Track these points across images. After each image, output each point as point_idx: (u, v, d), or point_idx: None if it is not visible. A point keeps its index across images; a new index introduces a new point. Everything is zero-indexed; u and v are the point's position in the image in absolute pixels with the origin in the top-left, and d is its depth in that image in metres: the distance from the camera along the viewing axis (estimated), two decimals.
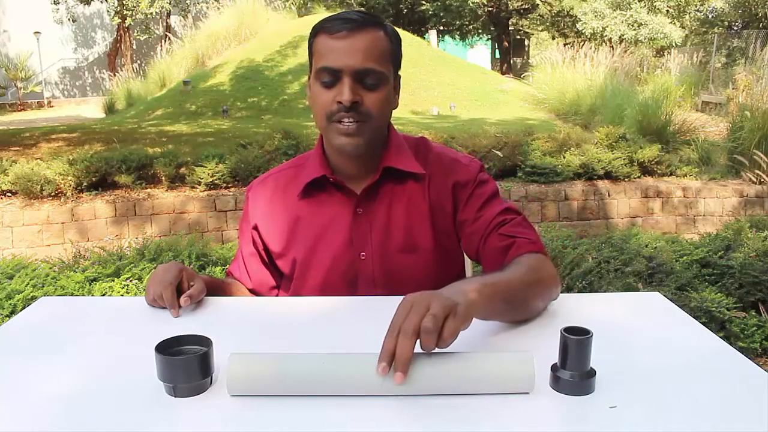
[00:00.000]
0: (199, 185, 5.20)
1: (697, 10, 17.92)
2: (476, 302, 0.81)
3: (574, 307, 1.08)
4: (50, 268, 2.91)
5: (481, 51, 24.77)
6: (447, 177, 1.18)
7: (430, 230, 1.17)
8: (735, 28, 18.29)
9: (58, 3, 15.24)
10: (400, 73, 1.18)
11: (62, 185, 4.92)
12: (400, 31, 1.30)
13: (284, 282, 1.27)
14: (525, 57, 25.09)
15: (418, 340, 0.73)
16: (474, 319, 0.81)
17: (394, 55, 1.13)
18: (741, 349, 2.33)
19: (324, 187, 1.18)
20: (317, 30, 1.10)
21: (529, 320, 0.99)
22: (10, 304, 2.58)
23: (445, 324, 0.74)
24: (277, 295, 1.28)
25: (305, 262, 1.19)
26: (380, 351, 0.73)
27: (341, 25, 1.06)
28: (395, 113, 1.20)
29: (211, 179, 5.17)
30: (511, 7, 20.66)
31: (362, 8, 18.12)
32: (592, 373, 0.77)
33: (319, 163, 1.17)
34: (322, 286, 1.17)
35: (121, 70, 13.71)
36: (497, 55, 23.75)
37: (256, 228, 1.24)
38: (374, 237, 1.16)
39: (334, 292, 1.16)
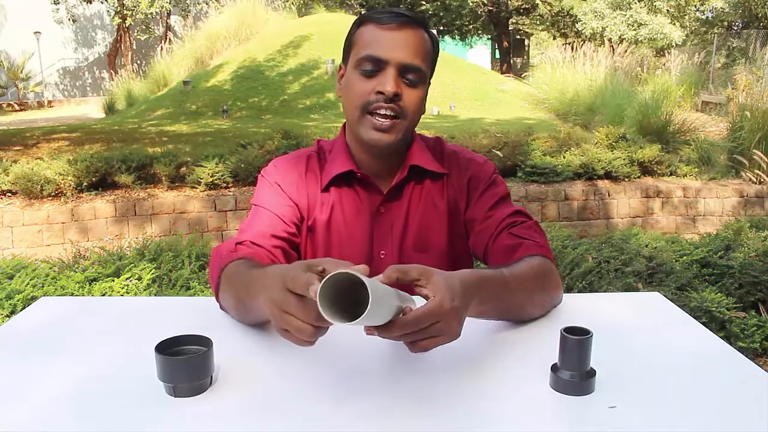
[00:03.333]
0: (200, 185, 5.20)
1: (697, 10, 17.92)
2: (474, 315, 0.85)
3: (574, 307, 1.08)
4: (50, 268, 2.90)
5: (481, 51, 24.77)
6: (463, 175, 1.18)
7: (446, 230, 1.17)
8: (735, 28, 18.31)
9: (58, 3, 15.25)
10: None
11: (62, 185, 4.92)
12: None
13: None
14: (525, 57, 25.10)
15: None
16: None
17: (433, 59, 1.12)
18: (741, 349, 2.33)
19: (348, 182, 1.16)
20: (364, 20, 1.09)
21: (524, 323, 0.99)
22: (10, 304, 2.58)
23: (431, 342, 0.73)
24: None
25: (324, 257, 1.16)
26: (389, 326, 0.69)
27: (392, 18, 1.05)
28: None
29: (211, 179, 5.17)
30: (510, 7, 20.66)
31: (363, 8, 18.13)
32: (592, 373, 0.77)
33: (345, 157, 1.15)
34: None
35: (122, 70, 13.71)
36: (497, 55, 23.74)
37: (297, 205, 1.15)
38: (394, 235, 1.16)
39: None
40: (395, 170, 1.15)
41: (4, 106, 15.60)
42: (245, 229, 1.11)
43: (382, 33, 1.05)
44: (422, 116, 1.14)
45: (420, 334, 0.71)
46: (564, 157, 5.69)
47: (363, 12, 1.34)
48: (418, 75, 1.06)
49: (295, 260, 1.17)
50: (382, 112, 1.05)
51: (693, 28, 18.15)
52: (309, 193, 1.16)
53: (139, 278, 2.80)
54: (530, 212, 1.29)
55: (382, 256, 1.16)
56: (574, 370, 0.76)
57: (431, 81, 1.16)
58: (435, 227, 1.16)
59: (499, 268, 0.94)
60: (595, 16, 15.89)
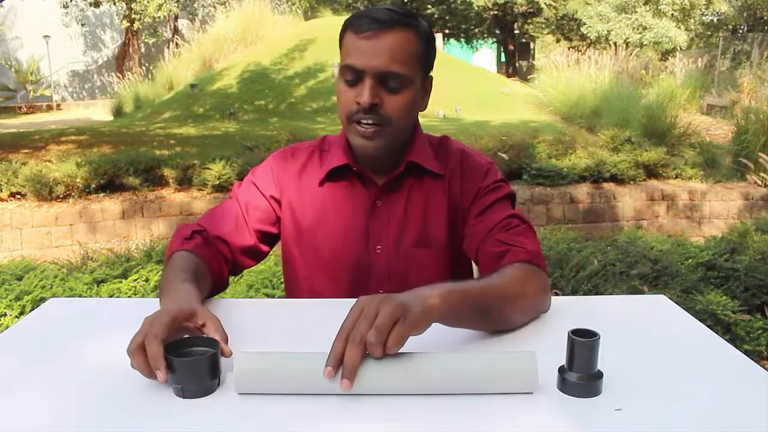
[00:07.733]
0: (206, 187, 5.23)
1: (702, 14, 17.87)
2: (435, 308, 0.80)
3: (579, 310, 1.08)
4: (59, 269, 2.93)
5: (486, 54, 24.77)
6: (467, 176, 1.17)
7: (446, 227, 1.16)
8: (740, 32, 18.24)
9: (67, 7, 15.35)
10: (431, 74, 1.14)
11: (71, 187, 4.95)
12: None
13: (291, 269, 1.23)
14: (530, 60, 25.07)
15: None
16: (444, 325, 0.83)
17: (423, 57, 1.09)
18: (746, 352, 2.32)
19: (345, 176, 1.16)
20: (346, 26, 1.08)
21: (507, 331, 0.95)
22: (19, 305, 2.60)
23: (392, 332, 0.73)
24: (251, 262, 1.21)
25: (319, 251, 1.17)
26: (329, 354, 0.73)
27: (369, 24, 1.03)
28: None
29: (218, 181, 5.20)
30: (516, 11, 20.65)
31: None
32: (598, 375, 0.77)
33: (343, 151, 1.15)
34: (335, 278, 1.16)
35: (129, 73, 13.78)
36: (503, 59, 23.74)
37: (278, 200, 1.19)
38: (391, 230, 1.15)
39: (346, 284, 1.15)
40: (393, 166, 1.15)
41: (14, 108, 15.70)
42: (214, 219, 1.17)
43: (359, 41, 1.03)
44: (428, 119, 1.15)
45: (357, 333, 0.72)
46: (569, 160, 5.70)
47: None
48: (399, 80, 1.04)
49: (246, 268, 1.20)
50: (363, 122, 1.05)
51: (698, 31, 18.10)
52: (305, 186, 1.18)
53: (147, 280, 2.82)
54: (528, 216, 1.28)
55: (379, 251, 1.15)
56: (581, 372, 0.76)
57: (432, 77, 1.15)
58: (436, 223, 1.15)
59: (477, 278, 0.95)
60: (600, 19, 15.87)
